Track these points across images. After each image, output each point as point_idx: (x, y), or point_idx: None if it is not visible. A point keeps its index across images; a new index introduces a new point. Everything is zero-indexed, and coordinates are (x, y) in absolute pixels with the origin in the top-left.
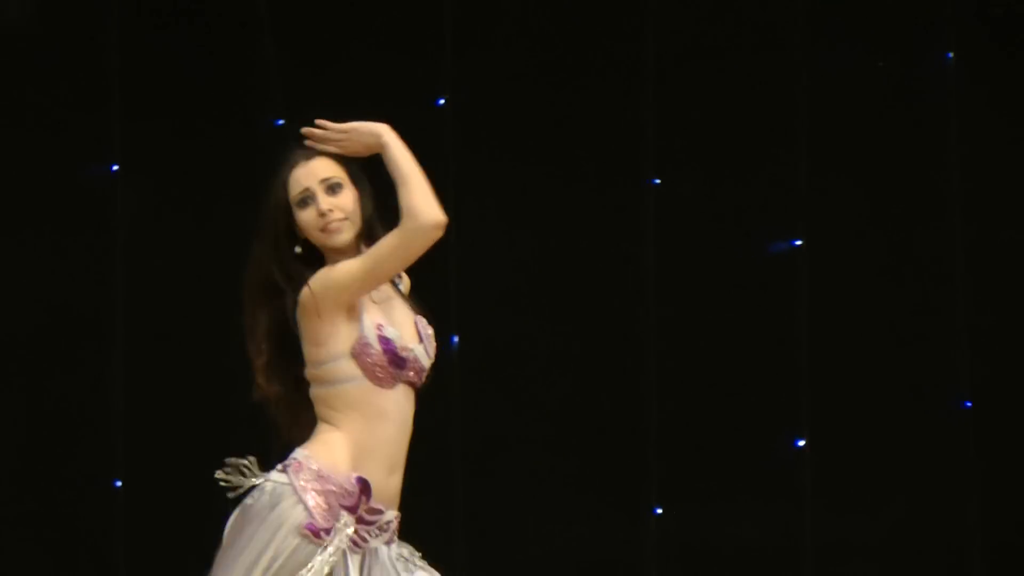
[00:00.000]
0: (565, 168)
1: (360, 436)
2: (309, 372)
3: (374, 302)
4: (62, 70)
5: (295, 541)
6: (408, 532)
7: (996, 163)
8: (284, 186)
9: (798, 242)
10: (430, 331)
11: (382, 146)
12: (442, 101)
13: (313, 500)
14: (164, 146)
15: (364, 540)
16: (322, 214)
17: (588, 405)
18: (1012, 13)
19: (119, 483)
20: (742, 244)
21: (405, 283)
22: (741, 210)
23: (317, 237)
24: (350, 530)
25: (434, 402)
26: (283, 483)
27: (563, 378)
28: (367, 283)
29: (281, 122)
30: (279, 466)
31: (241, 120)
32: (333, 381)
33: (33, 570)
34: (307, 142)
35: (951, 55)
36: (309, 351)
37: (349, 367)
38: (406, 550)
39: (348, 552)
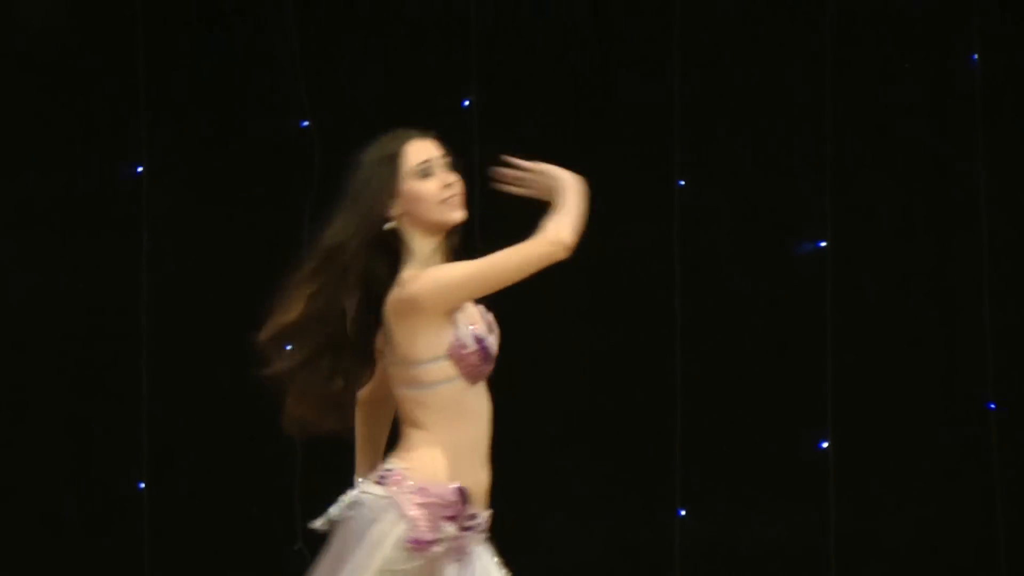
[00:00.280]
0: (591, 169)
1: (454, 437)
2: (398, 372)
3: None
4: (89, 73)
5: (399, 555)
6: None
7: (1022, 164)
8: (396, 157)
9: (823, 243)
10: (491, 318)
11: (563, 191)
12: (467, 102)
13: (415, 512)
14: (190, 148)
15: (465, 549)
16: (448, 184)
17: (612, 406)
18: None
19: (143, 485)
20: (768, 245)
21: None
22: (767, 211)
23: (433, 210)
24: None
25: None
26: (382, 496)
27: (587, 378)
28: (481, 289)
29: (306, 124)
30: (375, 478)
31: (267, 122)
32: (429, 383)
33: (57, 571)
34: (496, 182)
35: (976, 57)
36: (403, 350)
37: (447, 368)
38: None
39: (447, 560)
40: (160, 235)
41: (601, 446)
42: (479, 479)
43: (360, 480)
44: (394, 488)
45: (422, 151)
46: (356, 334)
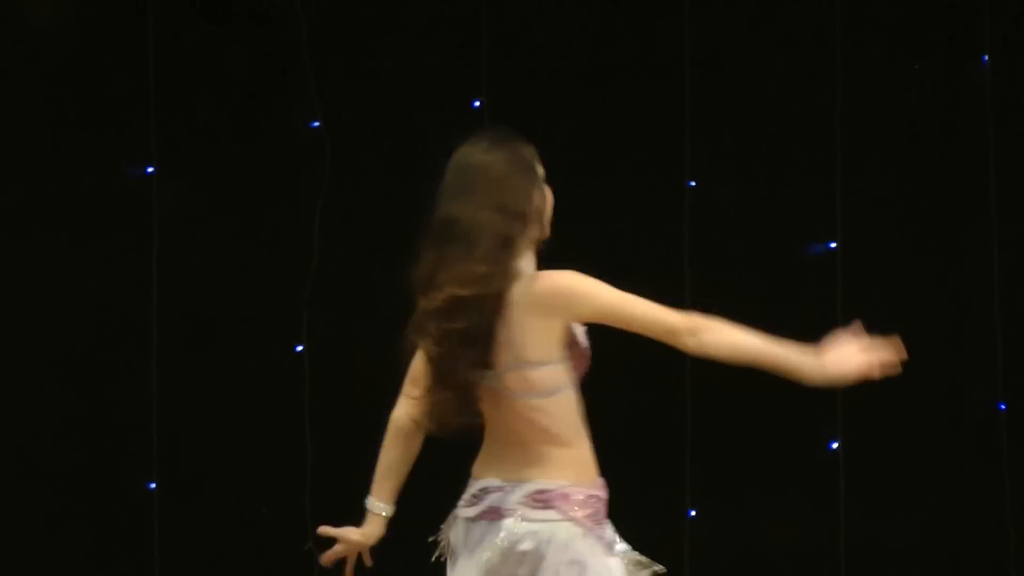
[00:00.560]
0: (601, 170)
1: (583, 442)
2: (515, 378)
3: None
4: (99, 73)
5: (606, 563)
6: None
7: None
8: (534, 165)
9: (833, 245)
10: None
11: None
12: (478, 103)
13: (591, 523)
14: (200, 148)
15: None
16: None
17: (622, 407)
18: None
19: (153, 485)
20: (778, 246)
21: None
22: (777, 213)
23: (546, 224)
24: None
25: None
26: (558, 521)
27: (596, 379)
28: (616, 315)
29: (316, 124)
30: (534, 504)
31: (277, 122)
32: (553, 389)
33: (68, 571)
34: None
35: (987, 58)
36: (524, 350)
37: (565, 372)
38: None
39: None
40: (170, 235)
41: (611, 447)
42: None
43: (377, 502)
44: (568, 509)
45: (541, 166)
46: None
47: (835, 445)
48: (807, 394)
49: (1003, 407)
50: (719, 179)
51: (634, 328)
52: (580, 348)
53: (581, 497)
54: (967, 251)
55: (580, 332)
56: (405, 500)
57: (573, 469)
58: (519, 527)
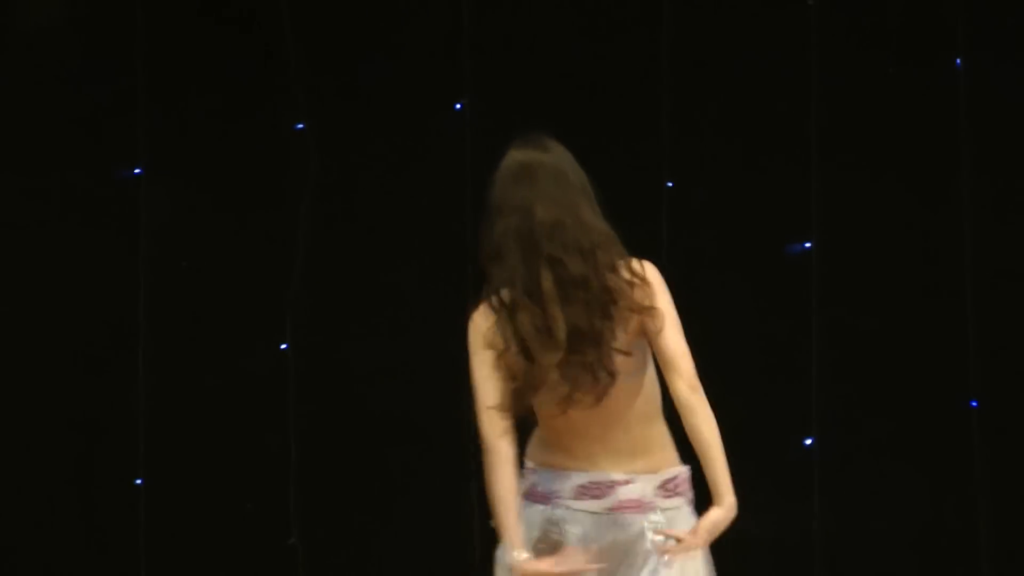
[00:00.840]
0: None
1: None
2: (628, 361)
3: None
4: (87, 74)
5: None
6: (423, 529)
7: (1006, 168)
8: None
9: (808, 244)
10: None
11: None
12: (460, 105)
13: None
14: (188, 150)
15: None
16: None
17: None
18: (1022, 20)
19: (140, 482)
20: (755, 246)
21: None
22: (754, 213)
23: None
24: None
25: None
26: (682, 506)
27: None
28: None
29: (302, 125)
30: (666, 494)
31: (263, 124)
32: (643, 367)
33: (55, 568)
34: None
35: (960, 61)
36: (621, 333)
37: (644, 351)
38: None
39: None
40: (158, 235)
41: None
42: None
43: (521, 553)
44: (685, 491)
45: None
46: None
47: (809, 442)
48: (781, 391)
49: (975, 404)
50: (697, 180)
51: (662, 340)
52: None
53: (688, 477)
54: (940, 250)
55: None
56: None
57: (673, 449)
58: (659, 517)
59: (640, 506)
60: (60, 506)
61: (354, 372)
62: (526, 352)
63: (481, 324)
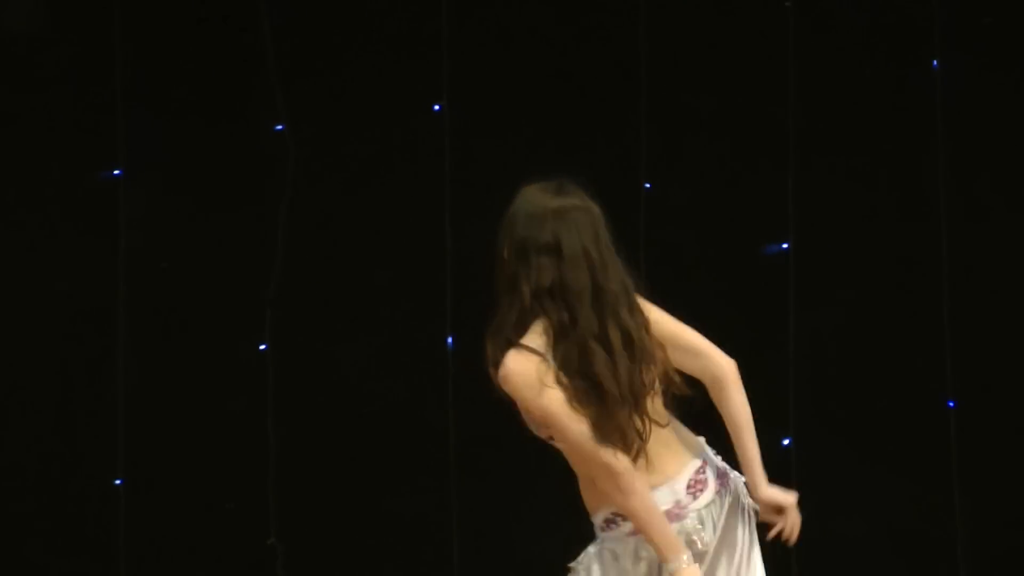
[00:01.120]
0: (558, 172)
1: None
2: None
3: None
4: (66, 75)
5: None
6: (404, 529)
7: (981, 168)
8: None
9: (786, 245)
10: None
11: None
12: (439, 107)
13: None
14: (167, 151)
15: None
16: None
17: None
18: (999, 22)
19: (120, 482)
20: (733, 248)
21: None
22: (732, 214)
23: None
24: None
25: (431, 404)
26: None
27: None
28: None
29: (281, 127)
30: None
31: (242, 126)
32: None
33: (33, 569)
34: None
35: (937, 62)
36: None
37: None
38: None
39: None
40: (137, 236)
41: None
42: None
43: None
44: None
45: None
46: None
47: (787, 442)
48: (758, 392)
49: (952, 404)
50: (674, 181)
51: (682, 337)
52: None
53: None
54: (917, 251)
55: None
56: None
57: None
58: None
59: (725, 476)
60: (39, 506)
61: (334, 372)
62: (597, 393)
63: (528, 367)
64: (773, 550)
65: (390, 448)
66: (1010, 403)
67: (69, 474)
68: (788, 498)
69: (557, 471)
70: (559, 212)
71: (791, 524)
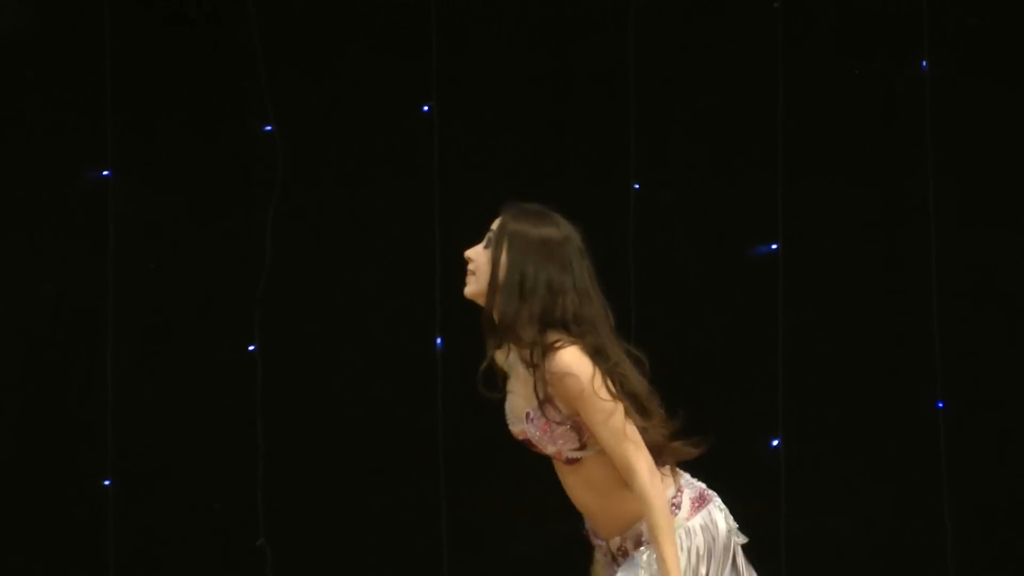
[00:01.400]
0: (548, 173)
1: None
2: None
3: None
4: (55, 77)
5: None
6: (392, 530)
7: (970, 169)
8: None
9: (775, 246)
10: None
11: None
12: (428, 107)
13: None
14: (156, 152)
15: None
16: (466, 259)
17: None
18: (987, 23)
19: (108, 482)
20: (721, 248)
21: None
22: (720, 215)
23: None
24: None
25: (420, 405)
26: None
27: None
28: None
29: (269, 128)
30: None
31: (231, 126)
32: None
33: (23, 569)
34: None
35: (926, 64)
36: None
37: None
38: None
39: None
40: (126, 237)
41: None
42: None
43: None
44: None
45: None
46: None
47: (776, 443)
48: (748, 392)
49: (941, 405)
50: (664, 182)
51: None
52: None
53: None
54: (906, 252)
55: None
56: None
57: None
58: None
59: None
60: (28, 507)
61: (322, 373)
62: (641, 410)
63: (588, 361)
64: (762, 550)
65: (379, 449)
66: (999, 404)
67: (58, 475)
68: None
69: (545, 473)
70: (562, 243)
71: None
